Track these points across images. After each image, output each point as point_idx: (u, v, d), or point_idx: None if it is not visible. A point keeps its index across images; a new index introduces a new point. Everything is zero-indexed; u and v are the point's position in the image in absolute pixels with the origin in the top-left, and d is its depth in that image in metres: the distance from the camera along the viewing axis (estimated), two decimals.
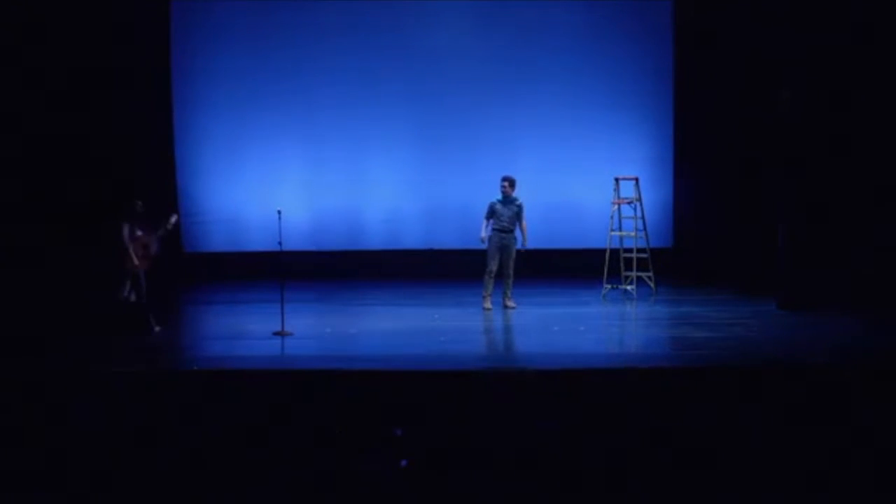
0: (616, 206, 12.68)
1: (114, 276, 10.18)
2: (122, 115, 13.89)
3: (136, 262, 10.03)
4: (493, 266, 11.44)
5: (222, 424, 6.28)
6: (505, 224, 11.37)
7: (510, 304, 11.48)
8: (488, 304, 11.44)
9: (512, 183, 11.38)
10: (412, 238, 14.81)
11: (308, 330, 10.17)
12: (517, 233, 11.47)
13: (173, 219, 10.32)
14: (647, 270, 12.69)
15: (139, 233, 10.14)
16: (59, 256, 12.89)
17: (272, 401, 7.00)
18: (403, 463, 5.72)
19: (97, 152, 13.61)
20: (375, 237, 14.83)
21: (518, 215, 11.41)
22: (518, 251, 11.47)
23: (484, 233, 11.43)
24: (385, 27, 14.60)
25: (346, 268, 14.57)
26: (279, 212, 10.42)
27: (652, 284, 12.72)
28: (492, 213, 11.41)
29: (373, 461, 5.78)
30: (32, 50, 13.02)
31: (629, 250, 12.76)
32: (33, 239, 12.79)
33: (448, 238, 14.46)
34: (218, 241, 14.56)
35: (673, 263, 14.14)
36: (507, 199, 11.40)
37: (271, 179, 14.48)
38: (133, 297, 10.11)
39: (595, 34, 14.72)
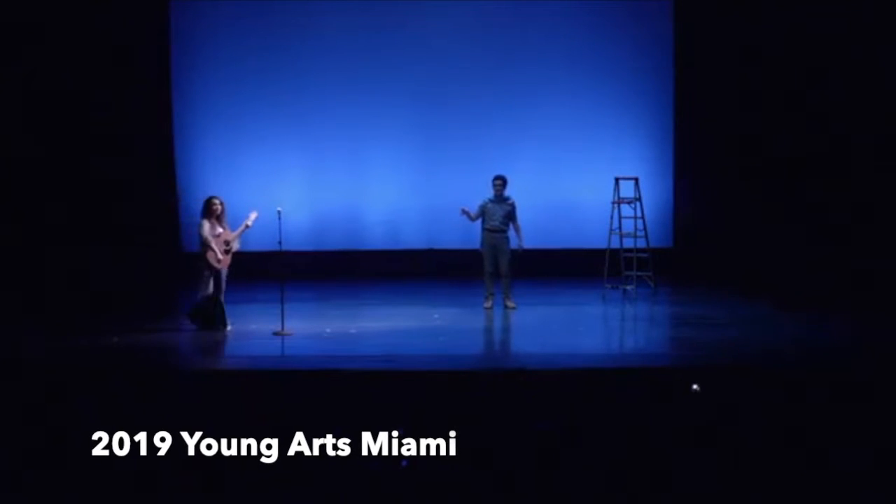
0: (616, 206, 12.68)
1: (196, 275, 10.12)
2: (123, 114, 13.90)
3: (219, 259, 9.96)
4: (489, 266, 11.42)
5: (222, 424, 6.28)
6: (496, 224, 11.31)
7: (510, 304, 11.46)
8: (488, 304, 11.44)
9: (505, 182, 11.33)
10: (412, 238, 14.81)
11: (308, 330, 10.17)
12: (510, 233, 11.43)
13: (253, 215, 10.13)
14: (647, 270, 12.69)
15: (220, 230, 10.03)
16: (57, 256, 12.91)
17: (272, 401, 7.00)
18: (404, 463, 5.72)
19: (97, 152, 13.61)
20: (375, 237, 14.84)
21: (511, 215, 11.34)
22: (514, 251, 11.42)
23: (471, 210, 11.36)
24: (385, 28, 14.61)
25: (346, 268, 14.58)
26: (279, 212, 10.40)
27: (652, 284, 12.72)
28: (482, 213, 11.38)
29: (373, 461, 5.77)
30: (31, 50, 13.01)
31: (629, 250, 12.77)
32: (32, 238, 12.79)
33: (448, 238, 14.47)
34: None
35: (673, 263, 14.16)
36: (500, 199, 11.35)
37: (271, 179, 14.48)
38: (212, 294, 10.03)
39: (596, 35, 14.74)
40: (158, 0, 14.40)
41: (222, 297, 10.12)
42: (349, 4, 14.58)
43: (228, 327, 10.08)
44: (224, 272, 10.12)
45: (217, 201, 10.13)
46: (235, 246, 10.14)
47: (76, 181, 13.37)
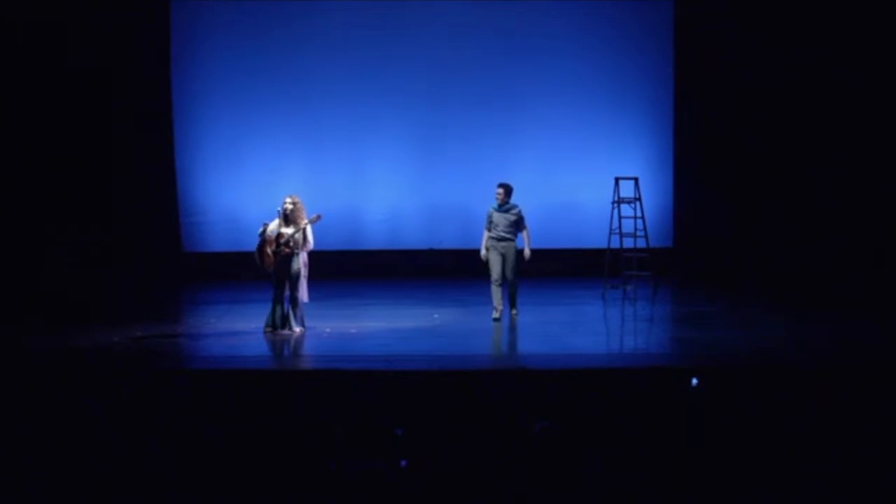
0: (616, 206, 12.68)
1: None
2: (123, 114, 13.90)
3: (258, 260, 9.76)
4: (496, 275, 10.75)
5: (222, 425, 6.28)
6: (501, 233, 10.67)
7: (512, 311, 11.04)
8: (497, 315, 10.78)
9: (507, 191, 10.72)
10: (412, 238, 14.80)
11: (308, 330, 10.16)
12: (516, 239, 10.88)
13: (314, 216, 9.67)
14: (647, 270, 12.69)
15: (283, 230, 9.63)
16: (57, 256, 12.91)
17: (272, 401, 7.00)
18: (403, 463, 5.71)
19: (98, 152, 13.62)
20: (375, 237, 14.83)
21: (518, 224, 10.74)
22: (520, 255, 10.85)
23: (483, 245, 10.82)
24: (385, 28, 14.60)
25: (346, 268, 14.56)
26: (279, 212, 10.37)
27: (652, 284, 12.72)
28: (489, 222, 10.78)
29: (373, 461, 5.77)
30: (31, 49, 13.02)
31: (629, 250, 12.76)
32: (32, 238, 12.79)
33: (448, 238, 14.46)
34: (218, 241, 14.56)
35: (673, 263, 14.15)
36: (503, 207, 10.74)
37: (271, 179, 14.44)
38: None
39: (596, 35, 14.73)
40: (158, 0, 14.39)
41: (290, 300, 9.76)
42: (349, 4, 14.57)
43: (293, 329, 9.75)
44: (289, 273, 9.68)
45: (286, 200, 9.69)
46: (286, 250, 9.61)
47: (76, 181, 13.37)
